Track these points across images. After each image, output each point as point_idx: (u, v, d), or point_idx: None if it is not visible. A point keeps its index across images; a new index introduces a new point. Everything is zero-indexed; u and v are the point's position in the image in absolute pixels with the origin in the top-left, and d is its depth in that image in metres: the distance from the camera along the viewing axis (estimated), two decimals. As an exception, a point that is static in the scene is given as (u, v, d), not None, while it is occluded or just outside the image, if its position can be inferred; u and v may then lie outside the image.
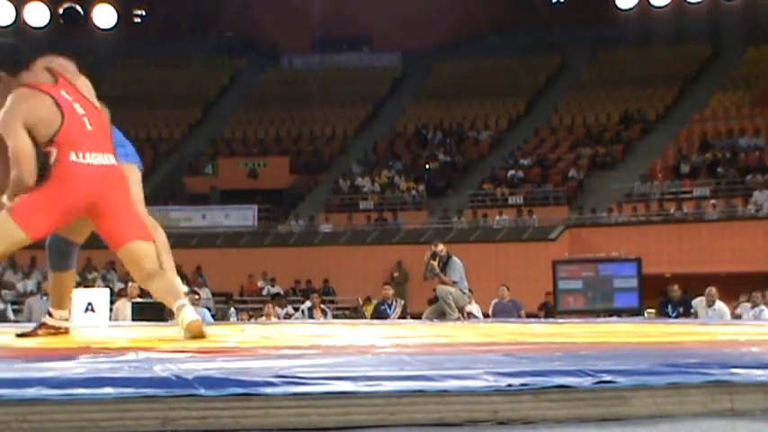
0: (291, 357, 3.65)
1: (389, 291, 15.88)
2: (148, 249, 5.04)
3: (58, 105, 4.88)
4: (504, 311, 16.08)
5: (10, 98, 4.86)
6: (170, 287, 5.16)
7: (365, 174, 31.18)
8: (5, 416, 2.36)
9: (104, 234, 5.02)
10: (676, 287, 15.30)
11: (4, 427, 2.36)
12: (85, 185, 4.87)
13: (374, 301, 20.98)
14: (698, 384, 2.73)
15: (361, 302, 20.99)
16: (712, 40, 33.79)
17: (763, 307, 15.86)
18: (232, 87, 35.73)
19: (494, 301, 16.85)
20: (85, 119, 4.95)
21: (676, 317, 14.80)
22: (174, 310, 4.98)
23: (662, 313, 15.19)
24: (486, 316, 15.72)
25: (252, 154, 32.23)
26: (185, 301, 5.04)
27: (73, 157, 4.86)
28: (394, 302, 15.50)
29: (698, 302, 15.25)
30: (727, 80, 32.41)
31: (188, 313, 4.90)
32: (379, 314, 15.04)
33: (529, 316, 16.17)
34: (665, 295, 15.46)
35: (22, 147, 4.77)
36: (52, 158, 4.84)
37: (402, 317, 14.46)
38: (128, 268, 5.21)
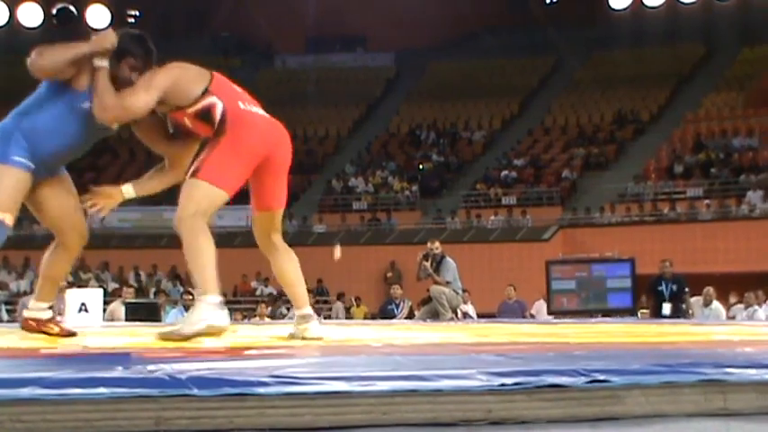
0: (285, 357, 3.65)
1: (398, 290, 15.91)
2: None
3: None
4: (509, 312, 16.07)
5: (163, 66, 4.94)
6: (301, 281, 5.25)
7: (359, 174, 31.18)
8: (-1, 416, 2.36)
9: (259, 191, 5.09)
10: (668, 263, 15.21)
11: (-2, 427, 2.35)
12: (262, 133, 4.96)
13: (362, 304, 21.01)
14: (691, 384, 2.73)
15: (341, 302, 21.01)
16: (706, 41, 33.83)
17: (756, 307, 15.90)
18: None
19: (500, 302, 16.87)
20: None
21: (669, 295, 14.73)
22: (299, 314, 5.17)
23: (654, 292, 15.09)
24: (491, 316, 15.72)
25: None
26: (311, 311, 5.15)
27: (241, 105, 4.96)
28: (402, 302, 15.53)
29: (694, 302, 15.26)
30: (721, 80, 32.45)
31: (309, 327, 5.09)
32: (387, 314, 15.05)
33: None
34: (656, 275, 15.36)
35: (140, 105, 4.78)
36: (217, 111, 4.88)
37: (409, 317, 14.47)
38: (260, 231, 5.24)
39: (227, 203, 5.19)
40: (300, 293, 5.27)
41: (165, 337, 4.75)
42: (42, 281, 5.19)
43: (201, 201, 4.80)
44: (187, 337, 4.69)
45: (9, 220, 4.65)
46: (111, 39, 4.79)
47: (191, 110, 4.92)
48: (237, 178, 4.91)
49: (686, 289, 14.99)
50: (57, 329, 5.20)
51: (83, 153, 5.07)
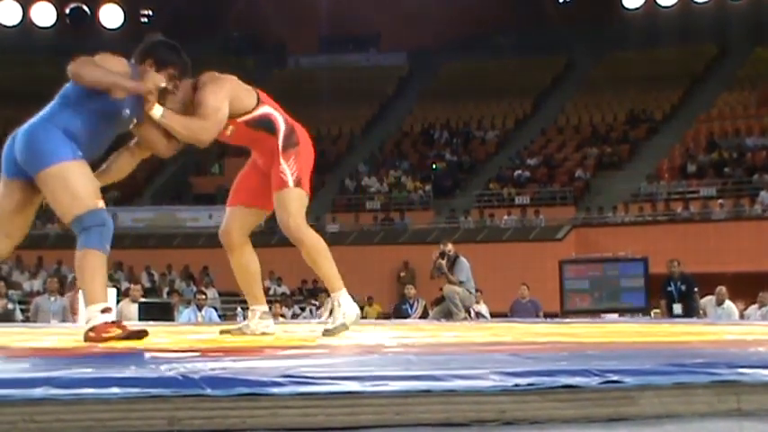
0: (298, 357, 3.65)
1: (412, 290, 15.94)
2: None
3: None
4: (522, 311, 16.03)
5: (207, 78, 5.13)
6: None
7: (372, 173, 31.19)
8: (12, 416, 2.37)
9: (266, 192, 5.35)
10: (676, 262, 15.26)
11: (11, 428, 2.36)
12: (312, 148, 5.42)
13: (375, 303, 21.02)
14: (705, 384, 2.72)
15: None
16: (719, 40, 33.75)
17: (771, 307, 15.84)
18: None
19: (513, 300, 16.82)
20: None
21: (678, 295, 14.76)
22: (263, 311, 5.57)
23: (664, 293, 15.16)
24: (504, 316, 15.70)
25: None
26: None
27: (288, 120, 5.33)
28: (416, 302, 15.54)
29: (707, 301, 15.26)
30: (734, 80, 32.36)
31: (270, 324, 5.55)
32: (401, 313, 15.06)
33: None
34: (667, 274, 15.42)
35: (221, 111, 5.02)
36: (279, 121, 5.26)
37: (423, 316, 14.48)
38: (242, 227, 5.54)
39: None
40: (261, 291, 5.67)
41: (330, 334, 5.14)
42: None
43: (302, 208, 5.31)
44: (346, 328, 5.22)
45: (103, 204, 4.81)
46: (156, 82, 4.86)
47: (242, 119, 5.18)
48: (308, 184, 5.40)
49: (695, 288, 15.00)
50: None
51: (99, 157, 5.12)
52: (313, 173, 5.50)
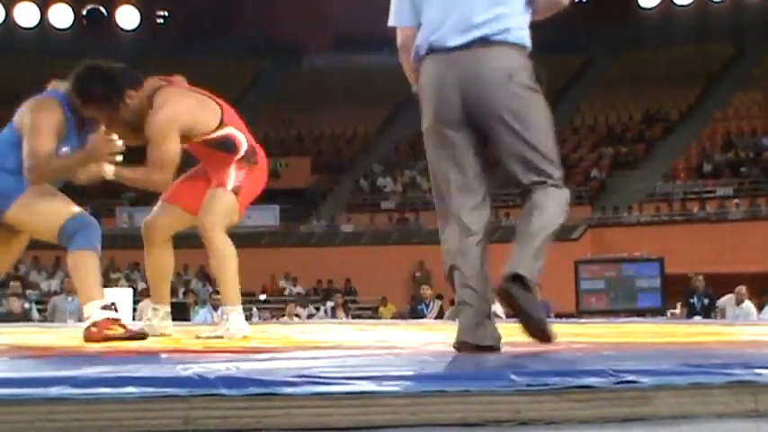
0: (313, 357, 3.66)
1: (428, 291, 15.96)
2: None
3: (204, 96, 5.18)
4: None
5: (161, 104, 4.89)
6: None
7: (387, 174, 31.19)
8: (29, 414, 2.38)
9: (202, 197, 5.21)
10: (701, 277, 15.36)
11: (28, 426, 2.37)
12: (265, 175, 5.33)
13: (390, 303, 21.03)
14: (721, 385, 2.71)
15: None
16: (735, 40, 33.61)
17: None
18: (254, 88, 35.79)
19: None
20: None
21: (701, 308, 14.85)
22: (166, 311, 5.48)
23: (687, 305, 15.25)
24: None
25: (273, 154, 32.15)
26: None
27: (250, 141, 5.21)
28: (432, 303, 15.55)
29: (726, 300, 15.29)
30: (750, 79, 32.23)
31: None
32: (417, 314, 15.07)
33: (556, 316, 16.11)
34: (689, 287, 15.52)
35: (173, 153, 4.87)
36: (241, 142, 5.12)
37: (439, 317, 14.48)
38: (171, 226, 5.45)
39: (253, 202, 5.31)
40: (168, 290, 5.59)
41: (201, 340, 4.89)
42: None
43: (225, 214, 5.08)
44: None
45: (76, 209, 4.83)
46: (109, 148, 4.72)
47: (199, 139, 5.05)
48: (242, 212, 5.23)
49: (716, 305, 15.11)
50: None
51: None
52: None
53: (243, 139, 5.15)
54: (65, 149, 4.80)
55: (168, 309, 5.52)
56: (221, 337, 4.95)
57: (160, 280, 5.50)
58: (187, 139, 5.02)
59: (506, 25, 3.72)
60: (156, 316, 5.46)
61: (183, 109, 4.95)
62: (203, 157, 5.25)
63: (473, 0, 3.67)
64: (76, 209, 4.81)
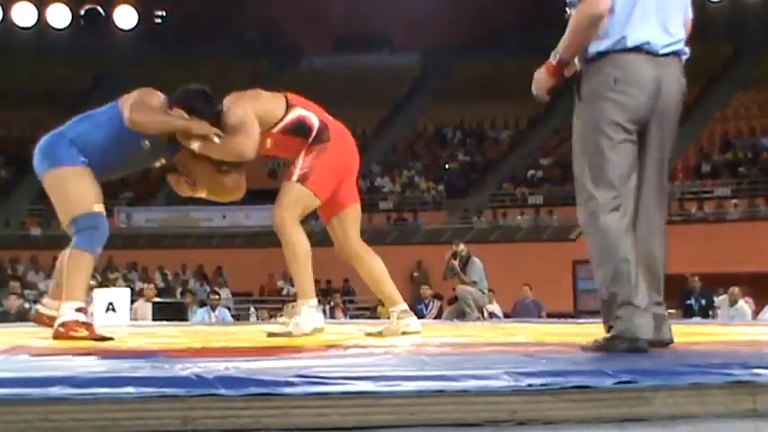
0: (311, 357, 3.66)
1: (427, 291, 15.97)
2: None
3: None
4: (525, 311, 16.09)
5: (230, 100, 5.17)
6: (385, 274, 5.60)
7: (385, 174, 31.19)
8: (28, 414, 2.38)
9: (341, 191, 5.43)
10: (696, 278, 15.35)
11: (27, 426, 2.37)
12: (351, 145, 5.43)
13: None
14: (719, 385, 2.71)
15: None
16: (734, 40, 33.62)
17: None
18: (252, 87, 35.74)
19: (516, 300, 16.83)
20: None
21: (699, 309, 14.85)
22: (393, 314, 5.51)
23: (683, 307, 15.22)
24: (506, 316, 15.71)
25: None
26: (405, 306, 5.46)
27: (321, 117, 5.33)
28: (431, 302, 15.55)
29: (720, 301, 15.30)
30: (749, 80, 32.23)
31: (410, 322, 5.47)
32: (415, 313, 15.07)
33: (550, 316, 16.14)
34: (686, 288, 15.50)
35: (253, 129, 5.06)
36: (313, 120, 5.25)
37: (437, 317, 14.48)
38: (345, 227, 5.59)
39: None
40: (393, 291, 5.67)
41: (272, 335, 5.11)
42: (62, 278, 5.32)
43: (296, 204, 5.23)
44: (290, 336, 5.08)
45: (101, 208, 5.01)
46: (208, 131, 4.99)
47: (276, 129, 5.22)
48: (330, 190, 5.33)
49: (714, 304, 15.09)
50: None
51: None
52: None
53: (314, 118, 5.29)
54: (145, 142, 5.02)
55: (403, 307, 5.60)
56: (290, 334, 5.07)
57: (381, 285, 5.66)
58: (265, 132, 5.15)
59: (684, 46, 4.07)
60: (394, 318, 5.57)
61: (248, 100, 5.21)
62: (286, 150, 5.35)
63: (674, 16, 3.99)
64: (98, 208, 4.98)
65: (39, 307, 5.45)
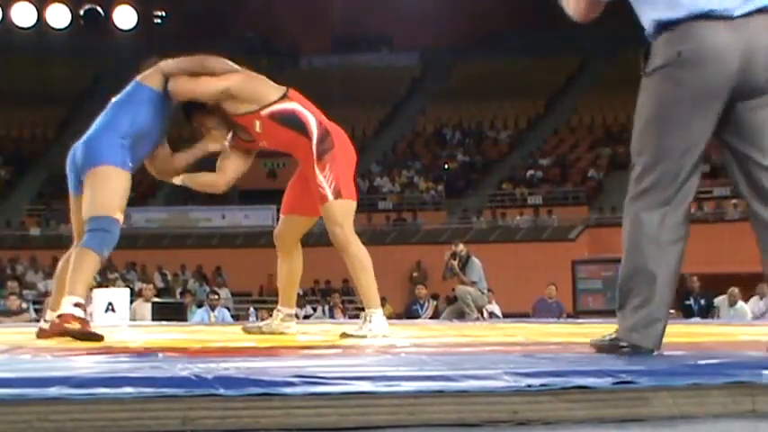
0: (311, 357, 3.66)
1: (422, 291, 15.97)
2: None
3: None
4: (546, 310, 15.91)
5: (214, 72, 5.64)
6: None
7: (384, 174, 31.20)
8: (27, 415, 2.38)
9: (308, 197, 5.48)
10: (695, 278, 15.31)
11: (26, 426, 2.37)
12: (351, 146, 5.50)
13: (387, 303, 21.04)
14: (719, 385, 2.71)
15: None
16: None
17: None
18: (252, 87, 35.75)
19: (537, 298, 16.68)
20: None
21: (699, 309, 14.83)
22: (280, 313, 5.77)
23: (683, 307, 15.19)
24: (517, 316, 15.67)
25: (270, 154, 32.19)
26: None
27: (321, 120, 5.42)
28: (426, 302, 15.55)
29: (720, 301, 15.28)
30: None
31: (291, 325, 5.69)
32: (411, 314, 15.08)
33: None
34: (685, 289, 15.47)
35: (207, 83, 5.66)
36: (311, 123, 5.35)
37: (434, 317, 14.49)
38: (301, 228, 5.75)
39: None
40: (294, 295, 5.94)
41: (345, 336, 5.21)
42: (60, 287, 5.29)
43: (348, 216, 5.38)
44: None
45: (121, 218, 5.10)
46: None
47: (265, 111, 5.27)
48: (353, 186, 5.47)
49: (714, 304, 15.08)
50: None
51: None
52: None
53: (312, 119, 5.35)
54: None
55: (291, 312, 5.85)
56: (365, 336, 5.17)
57: (289, 285, 5.84)
58: (255, 114, 5.29)
59: None
60: (277, 317, 5.77)
61: (246, 72, 5.51)
62: (286, 146, 5.45)
63: None
64: (118, 213, 5.06)
65: (42, 324, 5.42)
